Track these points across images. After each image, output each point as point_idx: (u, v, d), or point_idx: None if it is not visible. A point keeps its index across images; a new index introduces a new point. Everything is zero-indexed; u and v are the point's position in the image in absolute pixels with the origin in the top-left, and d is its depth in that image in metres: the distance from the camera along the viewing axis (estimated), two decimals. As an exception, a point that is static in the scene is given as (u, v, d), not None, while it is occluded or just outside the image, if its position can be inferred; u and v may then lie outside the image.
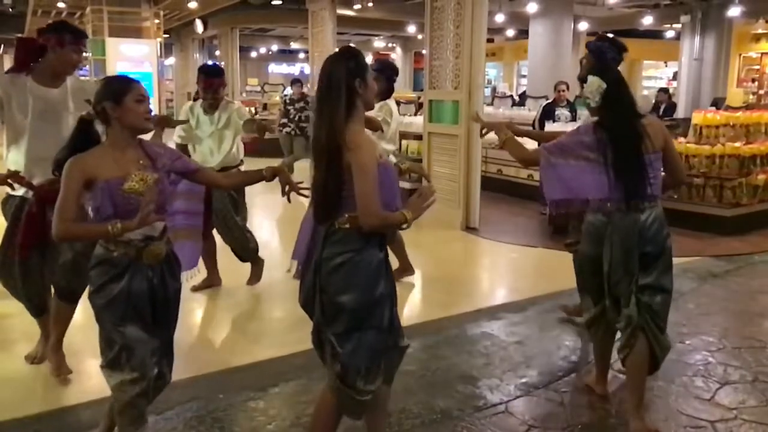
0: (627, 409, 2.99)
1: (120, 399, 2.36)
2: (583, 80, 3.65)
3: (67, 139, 3.09)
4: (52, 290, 3.39)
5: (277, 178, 2.65)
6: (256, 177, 2.71)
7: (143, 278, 2.36)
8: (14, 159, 3.24)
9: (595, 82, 2.87)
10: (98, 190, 2.26)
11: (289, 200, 2.70)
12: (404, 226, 2.29)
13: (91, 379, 3.48)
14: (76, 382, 3.36)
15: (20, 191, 3.22)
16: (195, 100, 4.89)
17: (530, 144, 3.69)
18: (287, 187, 2.65)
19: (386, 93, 4.93)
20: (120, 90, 2.33)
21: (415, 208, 2.30)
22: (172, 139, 4.67)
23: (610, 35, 4.01)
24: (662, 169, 3.02)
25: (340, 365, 2.31)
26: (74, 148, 2.34)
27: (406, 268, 5.08)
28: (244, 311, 4.70)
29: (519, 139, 3.26)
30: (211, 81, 4.58)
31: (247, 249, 4.83)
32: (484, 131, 3.51)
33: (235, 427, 2.99)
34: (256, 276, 5.01)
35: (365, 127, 2.64)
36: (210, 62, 15.23)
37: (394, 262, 5.09)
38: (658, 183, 2.94)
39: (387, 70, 5.06)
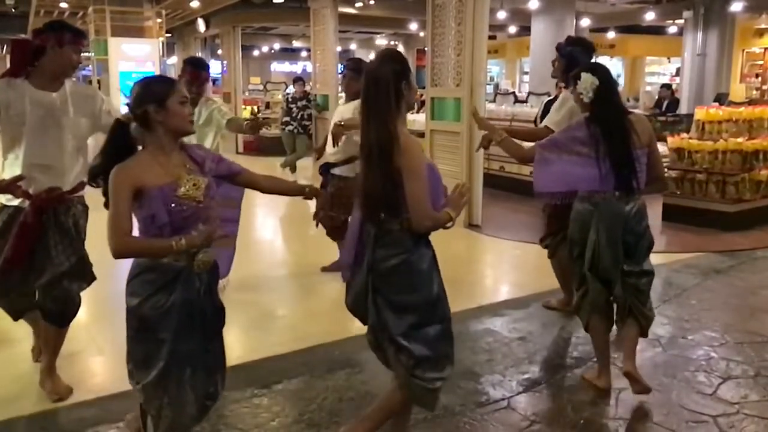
0: (623, 361, 3.23)
1: (161, 425, 2.25)
2: (556, 77, 4.28)
3: (66, 146, 3.02)
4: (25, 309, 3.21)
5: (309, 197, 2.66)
6: (296, 190, 2.65)
7: (193, 288, 2.22)
8: (11, 168, 3.01)
9: (588, 79, 3.02)
10: (151, 198, 2.12)
11: (317, 225, 2.75)
12: (449, 225, 2.34)
13: (94, 377, 3.51)
14: (80, 380, 3.37)
15: (15, 201, 3.00)
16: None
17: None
18: (321, 213, 2.67)
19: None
20: (164, 92, 2.19)
21: (455, 206, 2.36)
22: None
23: (579, 36, 4.28)
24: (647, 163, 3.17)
25: (412, 360, 2.35)
26: (111, 155, 2.19)
27: None
28: (247, 309, 4.71)
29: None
30: (198, 73, 4.44)
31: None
32: (483, 143, 3.68)
33: (239, 423, 3.00)
34: None
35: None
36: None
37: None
38: (643, 177, 3.10)
39: (363, 70, 5.00)
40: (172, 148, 2.24)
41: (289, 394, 3.27)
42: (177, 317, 2.17)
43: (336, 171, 4.85)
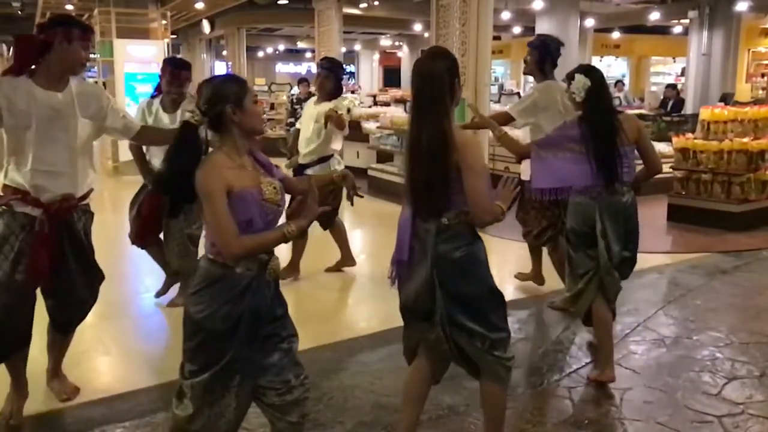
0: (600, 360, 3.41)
1: (195, 423, 2.18)
2: (528, 73, 4.52)
3: (76, 150, 2.83)
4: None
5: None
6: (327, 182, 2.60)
7: (263, 296, 2.16)
8: (15, 174, 2.79)
9: (581, 80, 3.21)
10: (244, 202, 2.06)
11: (351, 203, 2.76)
12: (502, 216, 2.40)
13: (101, 377, 3.53)
14: (87, 380, 3.39)
15: (20, 207, 2.79)
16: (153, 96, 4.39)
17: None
18: (351, 192, 2.67)
19: (336, 92, 4.91)
20: (240, 92, 2.11)
21: (504, 198, 2.41)
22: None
23: (547, 34, 4.58)
24: (641, 160, 3.44)
25: (487, 342, 2.42)
26: (182, 160, 2.08)
27: (349, 258, 5.23)
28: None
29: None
30: (179, 73, 4.21)
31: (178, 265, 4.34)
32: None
33: (244, 423, 2.98)
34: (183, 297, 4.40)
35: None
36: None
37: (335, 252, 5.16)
38: (631, 171, 3.32)
39: (337, 69, 4.99)
40: (245, 149, 2.17)
41: (295, 394, 3.28)
42: (245, 328, 2.12)
43: (308, 171, 4.83)
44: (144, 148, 4.26)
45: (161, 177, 2.12)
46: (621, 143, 3.21)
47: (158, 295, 4.57)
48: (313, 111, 4.91)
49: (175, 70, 4.19)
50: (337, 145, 4.94)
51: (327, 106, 4.78)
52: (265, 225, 2.11)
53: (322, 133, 4.80)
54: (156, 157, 4.21)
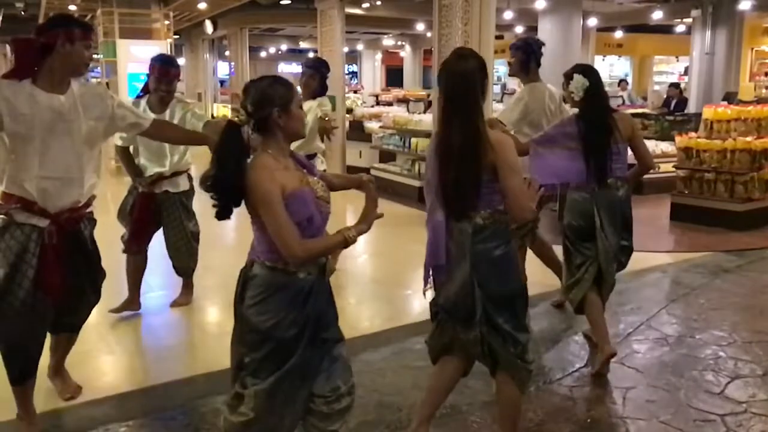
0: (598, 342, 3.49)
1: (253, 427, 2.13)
2: (513, 74, 4.62)
3: (82, 155, 2.72)
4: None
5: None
6: (356, 182, 2.43)
7: (323, 298, 2.16)
8: (18, 182, 2.66)
9: (580, 80, 3.34)
10: (301, 202, 2.05)
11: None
12: (538, 216, 2.43)
13: (105, 376, 3.54)
14: (91, 379, 3.40)
15: (25, 219, 2.67)
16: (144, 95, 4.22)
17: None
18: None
19: (321, 90, 4.88)
20: (287, 96, 2.09)
21: (531, 198, 2.42)
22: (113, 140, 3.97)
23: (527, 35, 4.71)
24: (635, 156, 3.57)
25: (519, 347, 2.46)
26: (228, 160, 2.04)
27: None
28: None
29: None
30: (167, 70, 4.03)
31: (188, 265, 4.40)
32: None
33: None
34: (186, 296, 4.56)
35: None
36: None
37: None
38: (624, 167, 3.48)
39: (322, 68, 4.95)
40: (288, 151, 2.16)
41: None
42: (310, 332, 2.11)
43: None
44: (131, 148, 4.14)
45: (214, 178, 2.04)
46: (615, 141, 3.36)
47: (116, 311, 4.20)
48: None
49: (164, 67, 4.03)
50: (320, 144, 4.86)
51: (310, 104, 4.70)
52: (323, 222, 2.12)
53: (308, 132, 4.62)
54: (144, 157, 4.11)
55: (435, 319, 2.61)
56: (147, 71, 4.11)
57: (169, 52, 12.03)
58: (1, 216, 2.69)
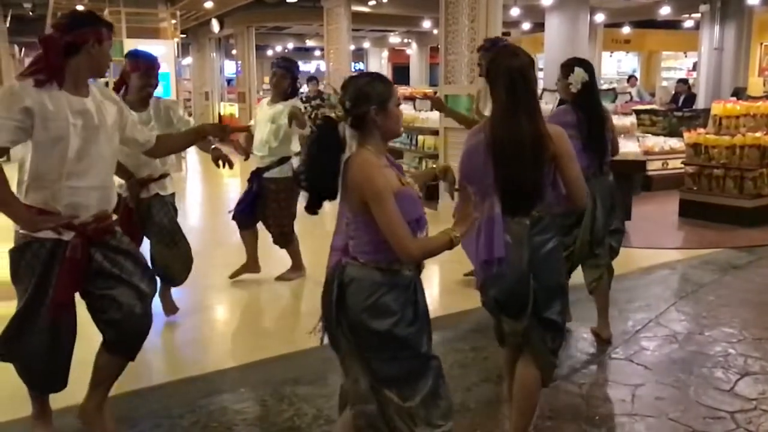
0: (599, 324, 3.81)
1: None
2: (485, 76, 4.70)
3: (109, 161, 2.57)
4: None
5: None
6: (430, 175, 2.45)
7: (424, 294, 2.16)
8: (45, 194, 2.44)
9: (580, 73, 3.51)
10: (411, 199, 2.04)
11: (452, 197, 2.63)
12: None
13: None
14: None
15: (49, 233, 2.44)
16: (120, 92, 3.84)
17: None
18: (452, 187, 2.42)
19: (292, 92, 4.83)
20: (385, 93, 2.05)
21: None
22: None
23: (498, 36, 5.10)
24: None
25: (558, 341, 2.55)
26: (324, 157, 2.02)
27: (296, 269, 5.03)
28: (266, 307, 4.75)
29: None
30: (152, 63, 3.80)
31: (188, 267, 4.10)
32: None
33: (257, 421, 3.03)
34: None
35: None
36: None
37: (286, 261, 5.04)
38: (609, 155, 3.76)
39: (293, 68, 4.88)
40: (384, 150, 2.12)
41: (307, 391, 3.30)
42: (425, 326, 2.12)
43: (267, 174, 4.70)
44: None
45: (302, 174, 2.03)
46: (606, 130, 3.63)
47: None
48: (268, 112, 4.75)
49: (148, 60, 3.79)
50: (296, 146, 4.80)
51: (281, 106, 4.66)
52: (425, 222, 2.09)
53: (281, 134, 4.65)
54: (127, 155, 3.69)
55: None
56: (128, 68, 3.78)
57: (176, 51, 12.07)
58: (22, 232, 2.47)
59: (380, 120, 2.04)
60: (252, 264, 4.97)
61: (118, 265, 2.60)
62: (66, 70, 2.45)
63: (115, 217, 2.72)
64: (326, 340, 2.21)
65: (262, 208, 4.77)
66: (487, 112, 4.38)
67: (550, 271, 2.48)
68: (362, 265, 2.06)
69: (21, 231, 2.47)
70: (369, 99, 2.03)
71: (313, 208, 2.07)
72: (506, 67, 2.40)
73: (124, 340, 2.63)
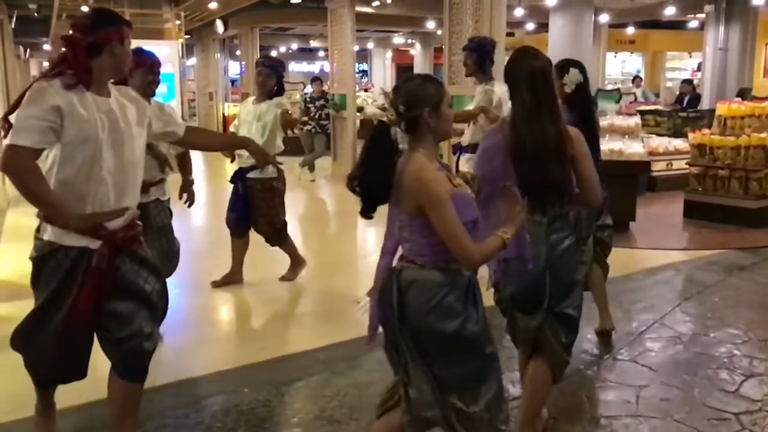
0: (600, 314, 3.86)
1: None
2: (470, 75, 4.82)
3: (138, 164, 2.48)
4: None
5: None
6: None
7: (480, 293, 2.16)
8: (71, 200, 2.33)
9: (576, 74, 3.54)
10: (467, 202, 2.05)
11: None
12: None
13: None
14: (101, 378, 3.41)
15: (75, 241, 2.34)
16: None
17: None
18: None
19: (278, 91, 4.81)
20: (438, 95, 2.04)
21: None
22: None
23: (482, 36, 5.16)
24: None
25: (571, 337, 2.59)
26: (378, 160, 2.02)
27: (296, 268, 5.04)
28: (268, 307, 4.75)
29: None
30: (154, 59, 3.70)
31: (175, 265, 4.05)
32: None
33: (261, 420, 3.03)
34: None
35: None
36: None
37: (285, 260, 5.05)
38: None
39: (279, 68, 4.86)
40: (436, 152, 2.11)
41: (310, 391, 3.30)
42: (485, 325, 2.12)
43: (252, 175, 4.65)
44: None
45: (355, 179, 2.02)
46: (597, 130, 3.68)
47: None
48: (253, 110, 4.73)
49: (150, 57, 3.71)
50: (280, 144, 4.77)
51: (266, 105, 4.66)
52: (480, 222, 2.09)
53: (266, 133, 4.62)
54: None
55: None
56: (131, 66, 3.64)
57: (180, 52, 12.10)
58: (47, 240, 2.38)
59: (433, 122, 2.03)
60: (236, 274, 4.94)
61: (142, 278, 2.50)
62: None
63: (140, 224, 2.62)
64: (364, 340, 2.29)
65: (253, 210, 4.76)
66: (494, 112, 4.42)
67: (567, 268, 2.56)
68: (421, 266, 2.05)
69: (46, 238, 2.38)
70: (422, 101, 2.02)
71: (367, 212, 2.06)
72: (529, 68, 2.40)
73: (126, 360, 2.52)
